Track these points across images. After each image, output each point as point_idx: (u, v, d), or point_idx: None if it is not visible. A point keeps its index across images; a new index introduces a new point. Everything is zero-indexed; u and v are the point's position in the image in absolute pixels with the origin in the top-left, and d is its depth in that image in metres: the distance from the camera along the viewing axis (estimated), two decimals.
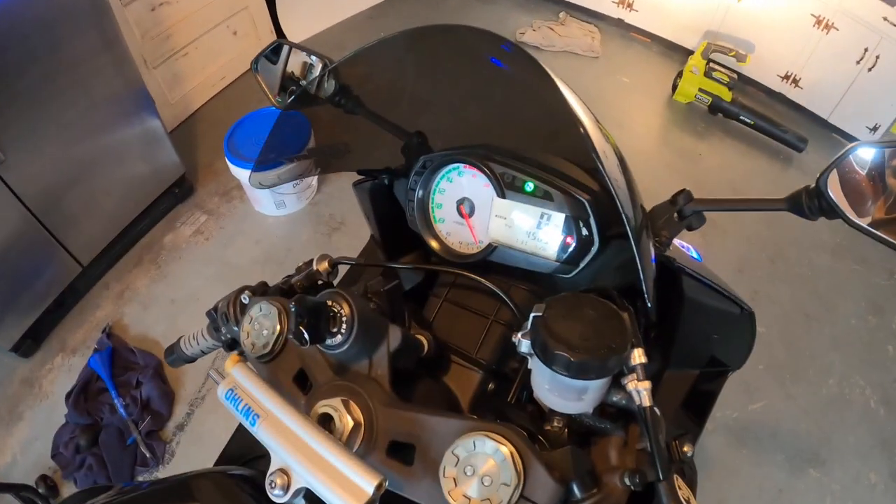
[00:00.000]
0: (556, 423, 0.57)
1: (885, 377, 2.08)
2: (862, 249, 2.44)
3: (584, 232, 0.68)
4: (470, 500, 0.46)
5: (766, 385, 2.04)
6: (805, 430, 1.95)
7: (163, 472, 1.86)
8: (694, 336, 0.73)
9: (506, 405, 0.68)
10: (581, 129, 0.55)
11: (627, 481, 0.49)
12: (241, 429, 0.85)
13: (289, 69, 0.92)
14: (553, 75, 0.57)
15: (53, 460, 1.86)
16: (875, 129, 2.74)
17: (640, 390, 0.49)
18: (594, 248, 0.68)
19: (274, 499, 0.49)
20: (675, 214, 0.68)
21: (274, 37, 3.13)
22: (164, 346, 0.88)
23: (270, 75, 0.93)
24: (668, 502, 0.47)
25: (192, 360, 0.86)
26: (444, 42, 0.75)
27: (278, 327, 0.62)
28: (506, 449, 0.46)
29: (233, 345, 0.75)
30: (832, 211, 0.60)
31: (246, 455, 0.79)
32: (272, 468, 0.50)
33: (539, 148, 0.76)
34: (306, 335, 0.51)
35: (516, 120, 0.83)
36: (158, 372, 2.03)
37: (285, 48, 0.92)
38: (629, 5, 3.35)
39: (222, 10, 2.83)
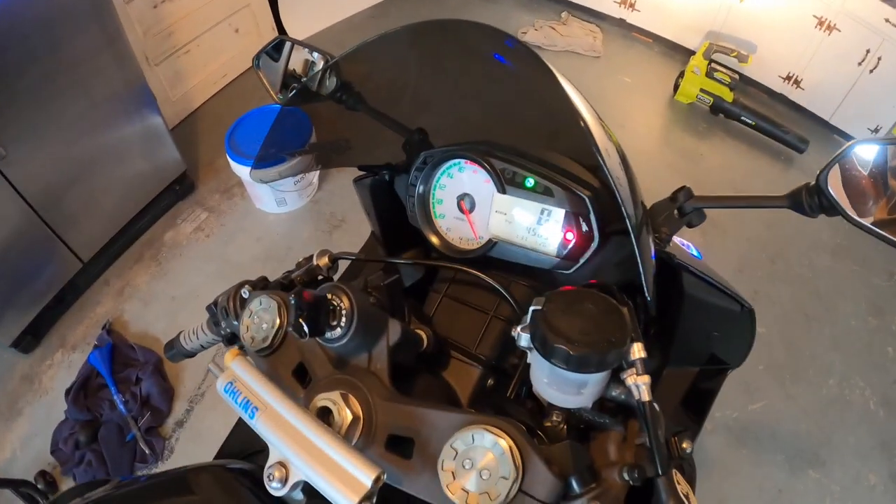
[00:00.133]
0: (555, 418, 0.57)
1: (885, 378, 2.08)
2: (862, 250, 2.44)
3: (584, 228, 0.68)
4: (468, 493, 0.46)
5: (766, 385, 2.04)
6: (805, 431, 1.95)
7: (162, 469, 1.86)
8: (694, 333, 0.73)
9: (505, 400, 0.68)
10: (582, 124, 0.55)
11: (626, 476, 0.49)
12: (240, 424, 0.85)
13: (290, 66, 0.92)
14: (556, 71, 0.57)
15: (53, 456, 1.86)
16: (876, 130, 2.74)
17: (639, 385, 0.49)
18: (594, 244, 0.67)
19: (272, 491, 0.49)
20: (676, 211, 0.68)
21: (275, 34, 3.13)
22: (164, 343, 0.88)
23: (272, 72, 0.93)
24: (666, 497, 0.47)
25: (191, 354, 0.86)
26: (446, 37, 0.75)
27: (278, 321, 0.62)
28: (504, 443, 0.46)
29: (232, 339, 0.75)
30: (832, 208, 0.60)
31: (245, 450, 0.79)
32: (270, 461, 0.50)
33: (541, 145, 0.76)
34: (306, 328, 0.51)
35: (518, 116, 0.83)
36: (158, 368, 2.03)
37: (287, 44, 0.92)
38: (631, 5, 3.35)
39: (224, 8, 2.83)
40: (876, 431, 1.95)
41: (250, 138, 2.30)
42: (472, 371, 0.70)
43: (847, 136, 2.87)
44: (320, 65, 0.86)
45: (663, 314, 0.70)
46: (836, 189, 0.59)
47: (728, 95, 2.86)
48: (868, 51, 2.59)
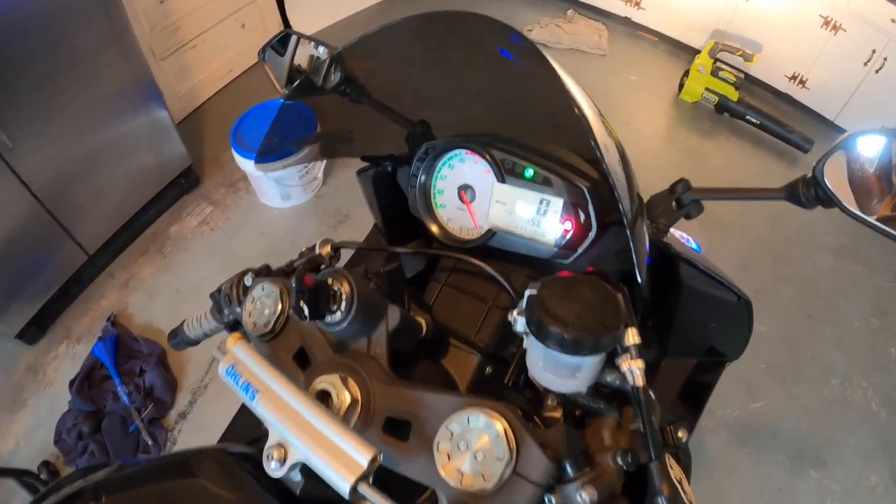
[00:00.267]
0: (550, 403, 0.58)
1: (888, 379, 2.07)
2: (866, 251, 2.44)
3: (583, 218, 0.69)
4: (463, 474, 0.46)
5: (768, 384, 2.04)
6: (806, 431, 1.95)
7: None
8: (691, 324, 0.73)
9: (503, 387, 0.68)
10: (578, 112, 0.55)
11: (620, 461, 0.49)
12: (240, 413, 0.85)
13: (296, 62, 0.93)
14: (556, 65, 0.57)
15: (56, 446, 1.88)
16: None
17: (633, 370, 0.50)
18: (592, 234, 0.68)
19: (270, 472, 0.49)
20: (674, 203, 0.69)
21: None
22: (168, 332, 0.90)
23: (278, 66, 0.94)
24: (659, 482, 0.47)
25: (195, 342, 0.87)
26: (450, 28, 0.76)
27: (280, 306, 0.63)
28: (499, 425, 0.47)
29: (235, 326, 0.76)
30: (828, 200, 0.60)
31: (246, 438, 0.80)
32: (269, 442, 0.50)
33: (541, 137, 0.77)
34: (306, 310, 0.52)
35: (519, 110, 0.84)
36: (162, 360, 2.04)
37: (293, 39, 0.92)
38: (637, 3, 3.35)
39: (230, 4, 2.85)
40: (878, 432, 1.95)
41: (256, 133, 2.31)
42: (471, 359, 0.71)
43: None
44: (325, 59, 0.87)
45: (661, 305, 0.70)
46: (832, 181, 0.59)
47: (733, 94, 2.85)
48: (874, 51, 2.58)
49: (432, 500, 0.50)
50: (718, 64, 2.88)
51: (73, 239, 2.12)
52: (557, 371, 0.52)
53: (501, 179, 0.74)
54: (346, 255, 0.81)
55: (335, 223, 2.49)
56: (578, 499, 0.46)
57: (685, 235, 0.92)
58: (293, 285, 0.52)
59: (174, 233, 2.49)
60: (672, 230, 0.85)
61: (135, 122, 2.19)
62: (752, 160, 2.81)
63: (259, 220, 2.54)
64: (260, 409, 0.51)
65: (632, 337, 0.50)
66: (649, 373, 0.51)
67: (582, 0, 3.54)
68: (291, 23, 3.19)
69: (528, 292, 0.53)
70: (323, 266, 0.76)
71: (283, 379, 0.52)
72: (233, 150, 2.31)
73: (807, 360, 2.12)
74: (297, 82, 0.89)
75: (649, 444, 0.48)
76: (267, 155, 0.92)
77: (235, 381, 0.54)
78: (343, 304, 0.56)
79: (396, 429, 0.53)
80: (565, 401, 0.58)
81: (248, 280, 0.73)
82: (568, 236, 0.71)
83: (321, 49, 0.89)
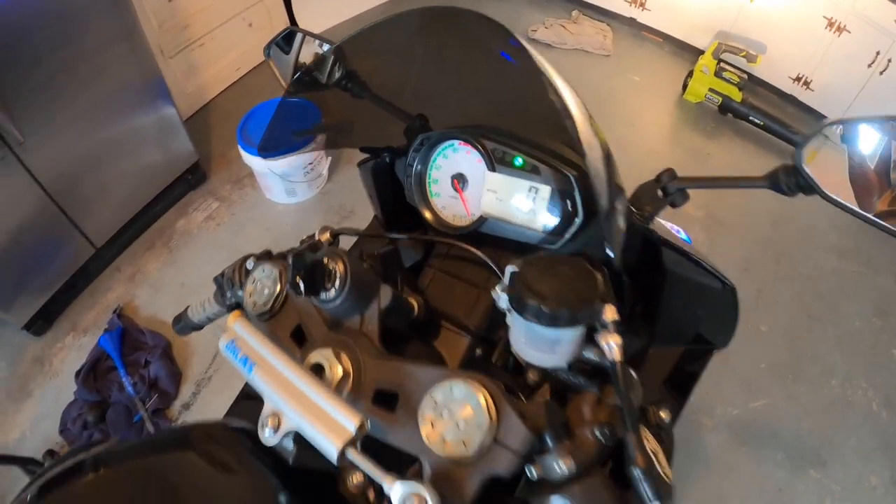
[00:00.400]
0: (530, 376, 0.60)
1: (889, 380, 2.07)
2: (868, 251, 2.44)
3: (570, 205, 0.71)
4: (445, 441, 0.49)
5: (768, 384, 2.04)
6: (806, 430, 1.95)
7: None
8: (677, 310, 0.75)
9: (490, 365, 0.70)
10: (557, 102, 0.57)
11: (598, 434, 0.51)
12: (240, 399, 0.88)
13: (301, 59, 0.95)
14: (546, 66, 0.59)
15: (61, 436, 1.91)
16: None
17: (611, 344, 0.52)
18: (578, 220, 0.70)
19: (265, 441, 0.52)
20: (660, 191, 0.71)
21: None
22: (173, 318, 0.93)
23: (283, 63, 0.97)
24: (634, 454, 0.49)
25: (199, 327, 0.90)
26: (448, 24, 0.78)
27: (278, 287, 0.66)
28: (482, 395, 0.49)
29: (237, 309, 0.79)
30: (809, 187, 0.62)
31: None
32: (265, 413, 0.53)
33: (532, 131, 0.79)
34: (302, 286, 0.55)
35: (512, 105, 0.86)
36: (167, 352, 2.07)
37: (298, 36, 0.95)
38: (641, 4, 3.36)
39: (238, 2, 2.88)
40: (878, 433, 1.95)
41: (262, 130, 2.33)
42: (462, 340, 0.73)
43: None
44: (330, 55, 0.89)
45: (647, 293, 0.72)
46: (813, 168, 0.61)
47: (737, 95, 2.86)
48: (878, 52, 2.57)
49: (420, 473, 0.52)
50: (722, 65, 2.89)
51: (81, 232, 2.15)
52: (537, 345, 0.54)
53: (492, 168, 0.76)
54: (345, 240, 0.84)
55: (340, 219, 2.51)
56: (557, 468, 0.48)
57: (676, 227, 0.93)
58: (290, 262, 0.55)
59: (180, 228, 2.52)
60: (664, 222, 0.87)
61: (143, 119, 2.22)
62: (755, 161, 2.81)
63: (264, 215, 2.57)
64: (257, 380, 0.54)
65: (610, 313, 0.52)
66: (637, 361, 0.53)
67: (587, 1, 3.55)
68: (298, 21, 3.22)
69: (509, 268, 0.55)
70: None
71: (279, 352, 0.55)
72: (239, 147, 2.35)
73: (807, 360, 2.12)
74: (297, 76, 0.92)
75: (626, 417, 0.50)
76: (268, 151, 0.94)
77: (234, 355, 0.56)
78: (337, 281, 0.59)
79: (386, 401, 0.56)
80: (547, 376, 0.60)
81: (249, 264, 0.76)
82: (556, 223, 0.73)
83: (325, 46, 0.92)
